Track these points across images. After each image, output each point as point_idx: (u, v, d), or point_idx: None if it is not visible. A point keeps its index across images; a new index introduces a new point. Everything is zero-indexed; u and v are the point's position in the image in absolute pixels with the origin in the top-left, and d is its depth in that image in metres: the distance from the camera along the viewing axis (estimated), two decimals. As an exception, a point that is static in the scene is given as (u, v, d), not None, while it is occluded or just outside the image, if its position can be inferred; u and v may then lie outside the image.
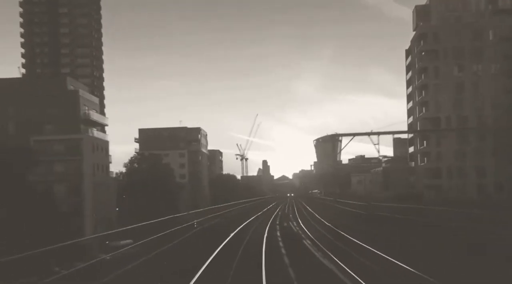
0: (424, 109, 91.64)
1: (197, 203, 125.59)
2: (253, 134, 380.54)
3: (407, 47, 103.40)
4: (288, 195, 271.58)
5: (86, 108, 71.63)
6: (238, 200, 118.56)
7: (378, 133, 51.94)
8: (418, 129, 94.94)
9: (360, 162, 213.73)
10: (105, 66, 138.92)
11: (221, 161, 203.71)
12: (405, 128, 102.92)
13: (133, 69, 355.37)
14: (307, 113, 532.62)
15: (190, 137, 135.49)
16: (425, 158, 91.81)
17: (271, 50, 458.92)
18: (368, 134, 52.62)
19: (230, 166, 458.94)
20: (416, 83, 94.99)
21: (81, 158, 68.90)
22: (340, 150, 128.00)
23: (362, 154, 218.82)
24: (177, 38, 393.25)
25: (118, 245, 35.40)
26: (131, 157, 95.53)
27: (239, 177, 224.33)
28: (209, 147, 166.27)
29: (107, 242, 42.18)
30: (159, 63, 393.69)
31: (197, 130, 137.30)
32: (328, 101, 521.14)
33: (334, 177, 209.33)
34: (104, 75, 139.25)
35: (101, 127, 79.93)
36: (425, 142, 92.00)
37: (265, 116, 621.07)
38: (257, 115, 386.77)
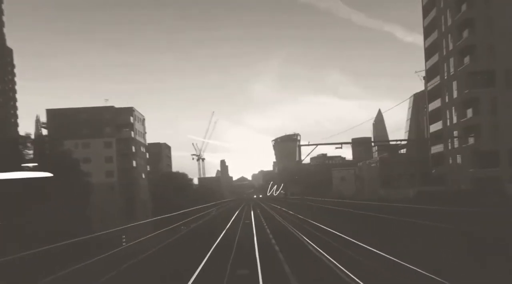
0: (468, 58, 58.71)
1: (131, 210, 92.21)
2: (210, 134, 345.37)
3: None
4: (255, 196, 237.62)
5: None
6: (190, 206, 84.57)
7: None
8: (455, 92, 62.15)
9: (323, 160, 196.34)
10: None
11: (169, 157, 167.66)
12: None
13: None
14: (263, 114, 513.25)
15: (120, 121, 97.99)
16: (469, 137, 59.21)
17: (227, 51, 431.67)
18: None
19: (187, 169, 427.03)
20: (450, 21, 62.43)
21: None
22: (300, 149, 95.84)
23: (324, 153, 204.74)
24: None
25: None
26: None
27: (196, 179, 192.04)
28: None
29: None
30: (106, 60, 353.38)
31: (129, 110, 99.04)
32: (285, 102, 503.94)
33: (300, 177, 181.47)
34: None
35: None
36: (469, 111, 59.14)
37: (222, 117, 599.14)
38: (213, 112, 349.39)
